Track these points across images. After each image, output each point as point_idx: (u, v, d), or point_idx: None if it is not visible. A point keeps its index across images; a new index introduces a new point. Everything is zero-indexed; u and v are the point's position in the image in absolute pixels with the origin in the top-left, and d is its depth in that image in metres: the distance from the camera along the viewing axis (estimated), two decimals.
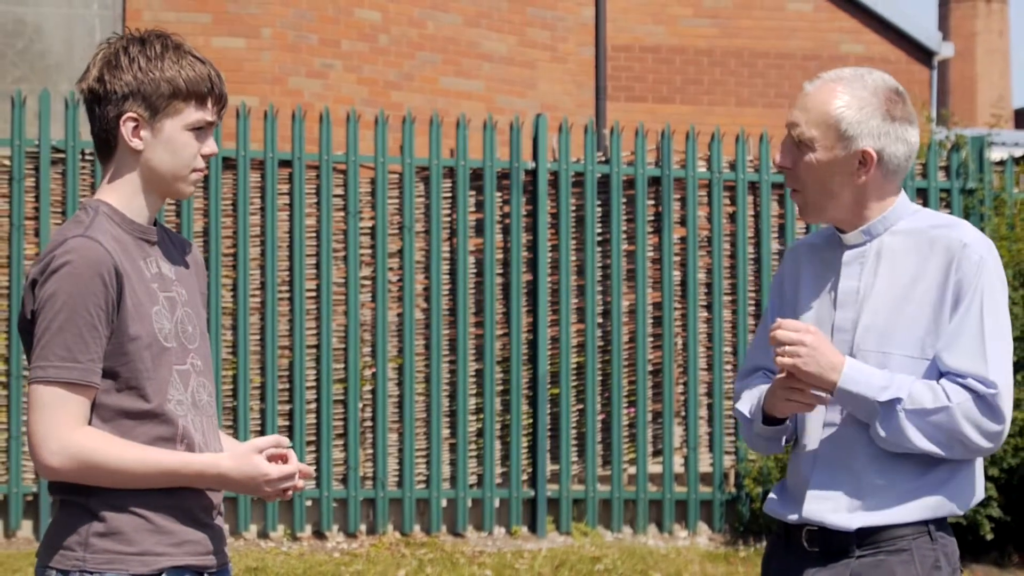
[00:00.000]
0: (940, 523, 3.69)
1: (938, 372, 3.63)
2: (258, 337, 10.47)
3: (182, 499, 3.35)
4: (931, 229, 3.69)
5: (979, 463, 3.74)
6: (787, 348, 3.59)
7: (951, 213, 11.44)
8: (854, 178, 3.69)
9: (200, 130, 3.41)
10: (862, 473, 3.66)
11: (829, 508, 3.67)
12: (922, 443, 3.57)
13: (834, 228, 3.80)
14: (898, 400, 3.56)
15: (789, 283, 3.89)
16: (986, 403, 3.57)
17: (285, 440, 3.40)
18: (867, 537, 3.65)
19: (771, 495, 3.85)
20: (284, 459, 3.40)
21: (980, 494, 3.75)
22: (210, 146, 3.43)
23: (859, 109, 3.67)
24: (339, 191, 10.68)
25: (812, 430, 3.75)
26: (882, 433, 3.59)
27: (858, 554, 3.66)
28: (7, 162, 10.25)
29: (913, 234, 3.70)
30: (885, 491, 3.64)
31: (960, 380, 3.58)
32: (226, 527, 3.58)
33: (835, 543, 3.68)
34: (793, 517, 3.74)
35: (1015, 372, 10.45)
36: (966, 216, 11.46)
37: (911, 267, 3.67)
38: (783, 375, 3.68)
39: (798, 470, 3.77)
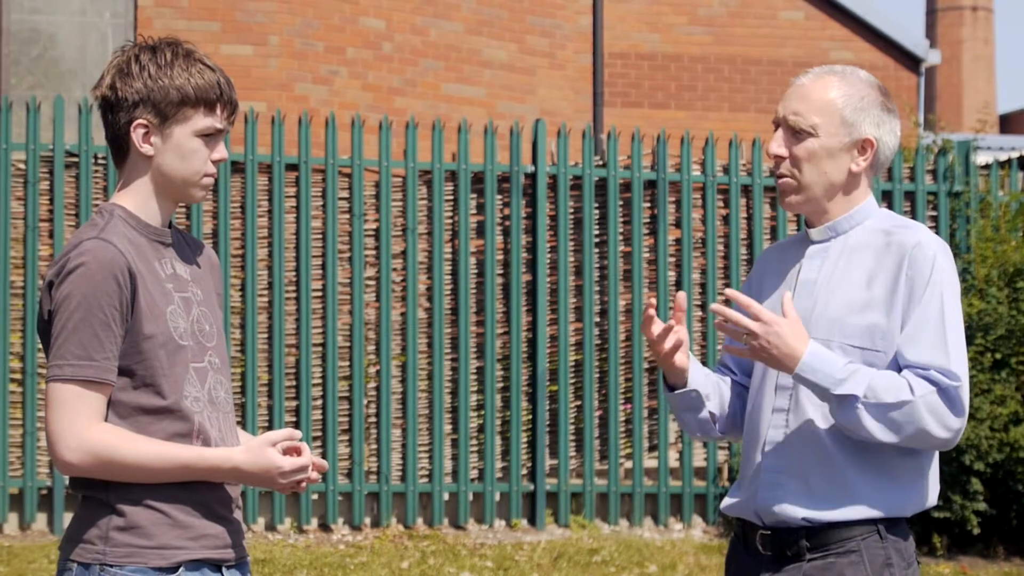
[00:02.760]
0: (891, 521, 3.64)
1: (897, 366, 3.59)
2: (266, 335, 10.47)
3: (200, 493, 3.35)
4: (891, 228, 3.69)
5: (934, 468, 3.70)
6: (746, 340, 3.57)
7: (938, 215, 11.45)
8: (852, 165, 3.70)
9: (210, 136, 3.39)
10: (810, 464, 3.63)
11: (779, 496, 3.64)
12: (879, 434, 3.52)
13: (805, 229, 3.79)
14: (855, 398, 3.51)
15: (756, 279, 3.89)
16: (948, 396, 3.52)
17: (298, 433, 3.38)
18: (817, 539, 3.61)
19: (728, 495, 3.82)
20: (298, 452, 3.39)
21: (931, 500, 3.69)
22: (220, 152, 3.41)
23: (861, 98, 3.69)
24: (344, 194, 10.68)
25: (762, 417, 3.72)
26: (839, 419, 3.56)
27: (809, 557, 3.62)
28: (22, 166, 10.25)
29: (874, 233, 3.70)
30: (833, 486, 3.61)
31: (923, 373, 3.54)
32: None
33: (787, 546, 3.64)
34: (743, 507, 3.72)
35: (997, 370, 10.46)
36: (952, 218, 11.47)
37: (868, 263, 3.66)
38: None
39: (749, 459, 3.75)
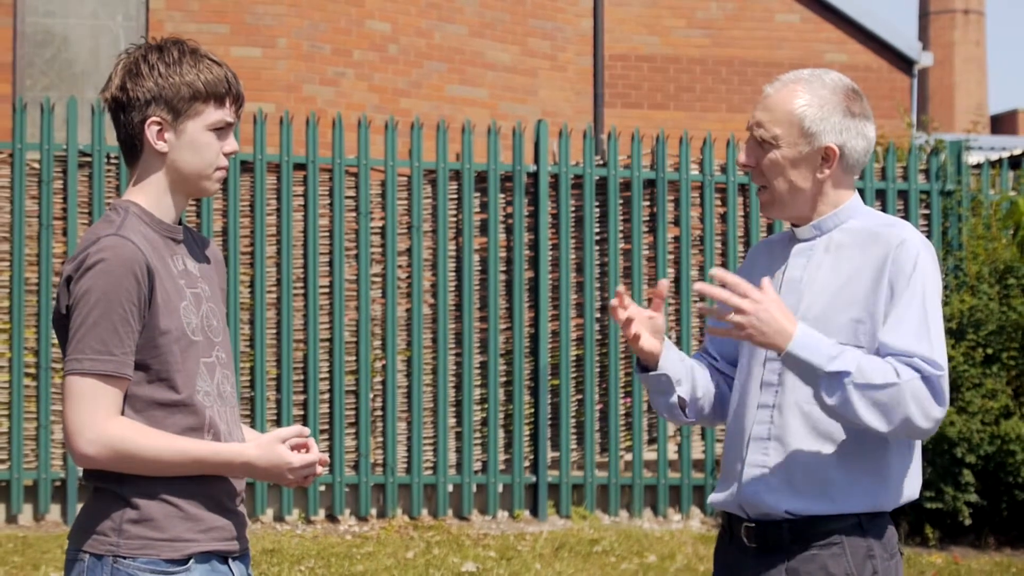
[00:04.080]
0: (874, 514, 3.61)
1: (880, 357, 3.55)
2: (274, 331, 10.48)
3: (209, 487, 3.34)
4: (876, 227, 3.65)
5: (916, 462, 3.67)
6: (734, 318, 3.48)
7: (930, 214, 11.45)
8: (817, 173, 3.65)
9: (221, 130, 3.39)
10: (794, 460, 3.60)
11: (763, 491, 3.61)
12: (867, 416, 3.44)
13: (791, 227, 3.76)
14: (846, 373, 3.44)
15: (744, 276, 3.85)
16: (932, 385, 3.47)
17: (306, 430, 3.37)
18: (799, 533, 3.59)
19: (714, 490, 3.79)
20: (306, 448, 3.38)
21: (913, 493, 3.66)
22: (231, 144, 3.41)
23: (820, 107, 3.63)
24: (351, 193, 10.68)
25: (747, 413, 3.69)
26: (828, 401, 3.47)
27: (792, 549, 3.59)
28: (37, 165, 10.25)
29: (860, 232, 3.66)
30: (816, 482, 3.58)
31: (907, 360, 3.49)
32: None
33: (771, 539, 3.62)
34: (728, 501, 3.69)
35: (988, 365, 10.46)
36: (945, 217, 11.47)
37: (853, 261, 3.62)
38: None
39: (734, 454, 3.72)
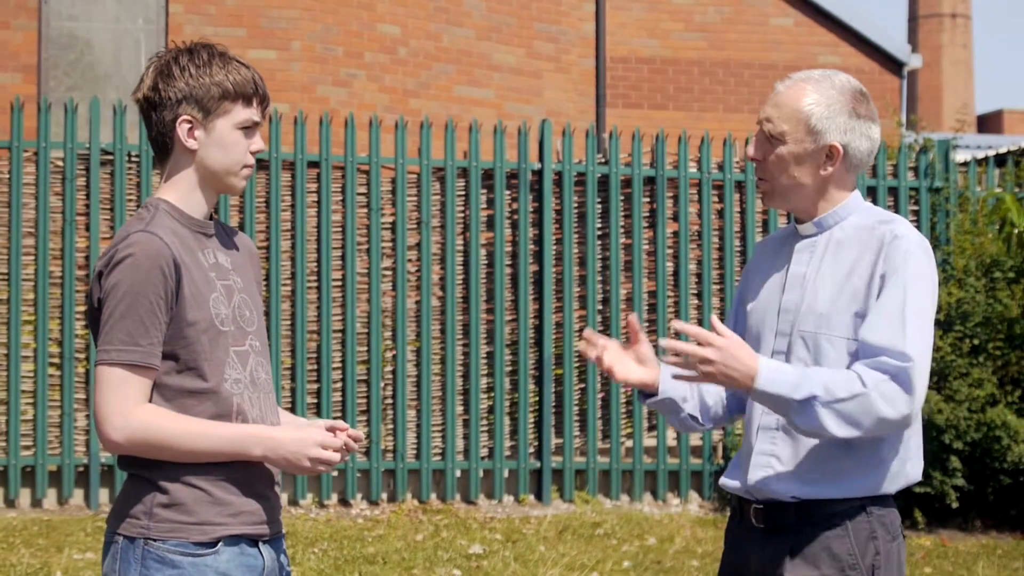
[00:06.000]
0: (877, 497, 3.60)
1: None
2: (289, 323, 10.48)
3: (239, 471, 3.34)
4: (874, 224, 3.64)
5: (917, 445, 3.66)
6: (703, 368, 3.45)
7: (919, 210, 11.44)
8: (820, 170, 3.65)
9: (248, 129, 3.41)
10: (799, 447, 3.60)
11: (769, 476, 3.62)
12: (838, 430, 3.44)
13: (795, 223, 3.76)
14: (814, 397, 3.43)
15: (753, 271, 3.86)
16: (900, 380, 3.44)
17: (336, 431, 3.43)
18: (805, 514, 3.59)
19: (725, 473, 3.79)
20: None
21: (915, 475, 3.65)
22: (258, 143, 3.43)
23: (827, 106, 3.62)
24: (362, 190, 10.68)
25: (756, 404, 3.68)
26: (801, 426, 3.47)
27: (798, 530, 3.60)
28: (60, 163, 10.26)
29: (859, 228, 3.65)
30: (821, 466, 3.57)
31: (874, 362, 3.46)
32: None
33: (778, 520, 3.62)
34: (737, 485, 3.70)
35: (975, 355, 10.45)
36: (933, 213, 11.46)
37: (852, 257, 3.61)
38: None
39: (745, 440, 3.73)
